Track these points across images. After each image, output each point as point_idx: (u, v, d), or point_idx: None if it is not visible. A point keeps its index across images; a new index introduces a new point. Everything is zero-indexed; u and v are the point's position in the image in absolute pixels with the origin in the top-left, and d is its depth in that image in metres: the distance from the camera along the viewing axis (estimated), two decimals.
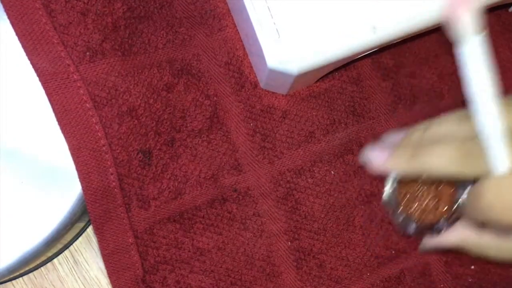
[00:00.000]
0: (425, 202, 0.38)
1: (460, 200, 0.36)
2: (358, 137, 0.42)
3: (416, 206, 0.38)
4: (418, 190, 0.38)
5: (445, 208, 0.37)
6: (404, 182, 0.37)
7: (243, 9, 0.35)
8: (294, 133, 0.41)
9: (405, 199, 0.38)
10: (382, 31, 0.35)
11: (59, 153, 0.38)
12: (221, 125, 0.40)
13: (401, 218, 0.37)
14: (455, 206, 0.37)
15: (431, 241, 0.37)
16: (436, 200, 0.37)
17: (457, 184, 0.37)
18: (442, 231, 0.37)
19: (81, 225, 0.42)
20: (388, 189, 0.38)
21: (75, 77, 0.38)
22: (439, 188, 0.37)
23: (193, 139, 0.40)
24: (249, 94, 0.41)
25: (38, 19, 0.38)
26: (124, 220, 0.38)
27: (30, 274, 0.43)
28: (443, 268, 0.42)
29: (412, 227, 0.37)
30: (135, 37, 0.39)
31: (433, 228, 0.37)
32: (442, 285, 0.42)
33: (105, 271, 0.40)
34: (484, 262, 0.41)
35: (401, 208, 0.38)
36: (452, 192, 0.37)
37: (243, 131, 0.41)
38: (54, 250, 0.41)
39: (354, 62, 0.42)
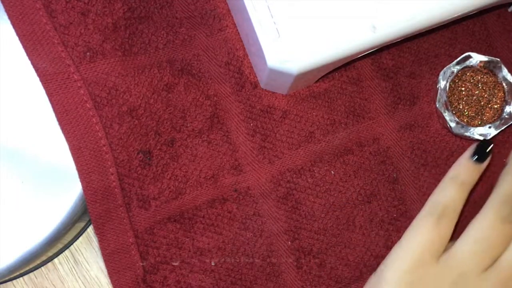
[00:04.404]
0: (475, 103, 0.41)
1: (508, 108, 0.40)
2: (358, 137, 0.42)
3: (466, 106, 0.41)
4: (469, 91, 0.41)
5: (494, 112, 0.41)
6: (457, 81, 0.41)
7: (243, 9, 0.35)
8: (294, 133, 0.41)
9: (456, 97, 0.41)
10: (382, 30, 0.35)
11: (60, 153, 0.38)
12: (221, 125, 0.40)
13: (449, 117, 0.40)
14: (504, 112, 0.40)
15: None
16: (487, 102, 0.41)
17: (508, 90, 0.41)
18: (488, 136, 0.40)
19: (81, 225, 0.42)
20: (441, 86, 0.41)
21: (75, 77, 0.38)
22: (491, 91, 0.41)
23: (193, 139, 0.40)
24: (249, 94, 0.41)
25: (39, 20, 0.38)
26: (124, 220, 0.38)
27: (31, 274, 0.43)
28: None
29: (458, 127, 0.40)
30: (136, 37, 0.39)
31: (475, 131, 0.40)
32: None
33: (105, 271, 0.40)
34: None
35: (451, 106, 0.41)
36: (502, 97, 0.41)
37: (243, 131, 0.41)
38: (54, 250, 0.41)
39: (354, 62, 0.42)
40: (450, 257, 0.34)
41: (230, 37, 0.41)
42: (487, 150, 0.37)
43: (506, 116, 0.40)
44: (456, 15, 0.36)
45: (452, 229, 0.35)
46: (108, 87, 0.38)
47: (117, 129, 0.38)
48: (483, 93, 0.41)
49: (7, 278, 0.41)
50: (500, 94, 0.41)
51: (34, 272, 0.43)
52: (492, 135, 0.40)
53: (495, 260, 0.35)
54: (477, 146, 0.37)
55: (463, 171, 0.37)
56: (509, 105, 0.40)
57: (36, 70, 0.37)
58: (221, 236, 0.40)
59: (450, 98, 0.41)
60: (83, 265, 0.43)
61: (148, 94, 0.39)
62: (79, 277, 0.43)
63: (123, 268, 0.38)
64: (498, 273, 0.34)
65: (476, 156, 0.37)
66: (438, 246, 0.35)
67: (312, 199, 0.41)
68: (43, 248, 0.38)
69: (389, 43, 0.36)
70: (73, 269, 0.43)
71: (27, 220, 0.38)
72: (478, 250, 0.34)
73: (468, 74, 0.41)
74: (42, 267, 0.43)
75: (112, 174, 0.38)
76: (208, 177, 0.40)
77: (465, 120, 0.41)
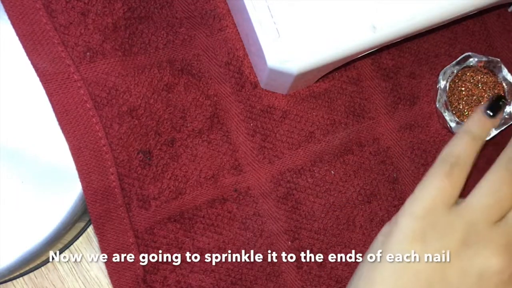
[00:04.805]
0: (475, 103, 0.41)
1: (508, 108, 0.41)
2: (358, 137, 0.42)
3: (466, 106, 0.41)
4: (469, 91, 0.41)
5: None
6: (457, 81, 0.41)
7: (243, 9, 0.35)
8: (294, 133, 0.41)
9: (456, 97, 0.41)
10: (382, 30, 0.35)
11: (60, 153, 0.38)
12: (221, 125, 0.40)
13: (449, 117, 0.40)
14: (504, 112, 0.40)
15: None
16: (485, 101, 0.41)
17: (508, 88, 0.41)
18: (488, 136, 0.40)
19: (81, 224, 0.42)
20: (441, 86, 0.41)
21: (75, 77, 0.38)
22: (491, 91, 0.41)
23: (193, 139, 0.40)
24: (249, 94, 0.41)
25: (39, 20, 0.38)
26: (124, 220, 0.38)
27: (31, 274, 0.43)
28: None
29: (458, 127, 0.40)
30: (136, 37, 0.39)
31: None
32: None
33: (105, 271, 0.40)
34: None
35: (451, 106, 0.41)
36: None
37: (243, 131, 0.41)
38: (54, 250, 0.41)
39: (354, 62, 0.42)
40: (461, 208, 0.35)
41: (230, 37, 0.41)
42: (500, 103, 0.37)
43: (506, 116, 0.40)
44: (456, 15, 0.36)
45: (464, 180, 0.35)
46: (108, 87, 0.38)
47: (117, 129, 0.38)
48: (483, 93, 0.41)
49: (7, 278, 0.41)
50: None
51: (34, 272, 0.43)
52: (492, 135, 0.40)
53: (505, 214, 0.35)
54: (490, 100, 0.37)
55: (476, 125, 0.37)
56: (509, 105, 0.40)
57: (36, 70, 0.37)
58: (221, 236, 0.40)
59: (450, 98, 0.41)
60: (83, 265, 0.43)
61: (148, 94, 0.39)
62: (79, 277, 0.43)
63: (123, 268, 0.38)
64: (506, 226, 0.35)
65: (488, 110, 0.37)
66: (450, 194, 0.35)
67: (312, 199, 0.41)
68: (43, 248, 0.38)
69: (389, 43, 0.36)
70: (73, 269, 0.43)
71: (27, 220, 0.38)
72: (489, 202, 0.35)
73: (468, 74, 0.41)
74: (42, 267, 0.43)
75: (112, 174, 0.38)
76: (208, 177, 0.40)
77: (465, 120, 0.41)
